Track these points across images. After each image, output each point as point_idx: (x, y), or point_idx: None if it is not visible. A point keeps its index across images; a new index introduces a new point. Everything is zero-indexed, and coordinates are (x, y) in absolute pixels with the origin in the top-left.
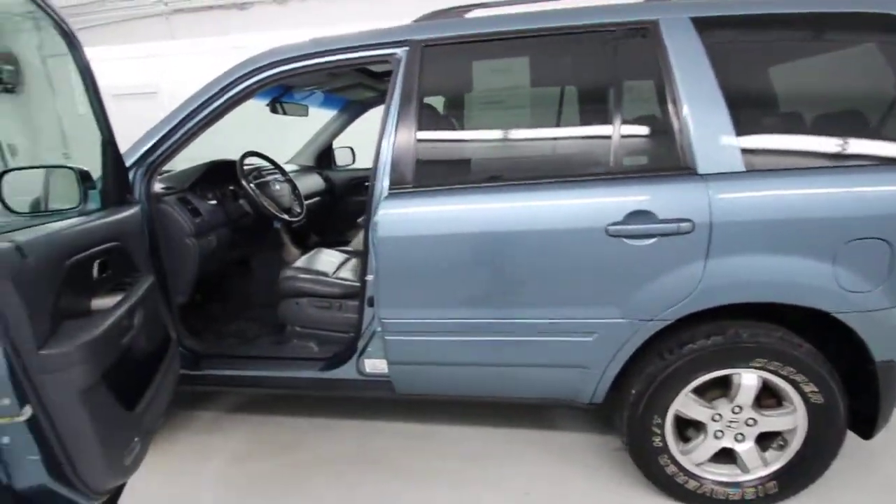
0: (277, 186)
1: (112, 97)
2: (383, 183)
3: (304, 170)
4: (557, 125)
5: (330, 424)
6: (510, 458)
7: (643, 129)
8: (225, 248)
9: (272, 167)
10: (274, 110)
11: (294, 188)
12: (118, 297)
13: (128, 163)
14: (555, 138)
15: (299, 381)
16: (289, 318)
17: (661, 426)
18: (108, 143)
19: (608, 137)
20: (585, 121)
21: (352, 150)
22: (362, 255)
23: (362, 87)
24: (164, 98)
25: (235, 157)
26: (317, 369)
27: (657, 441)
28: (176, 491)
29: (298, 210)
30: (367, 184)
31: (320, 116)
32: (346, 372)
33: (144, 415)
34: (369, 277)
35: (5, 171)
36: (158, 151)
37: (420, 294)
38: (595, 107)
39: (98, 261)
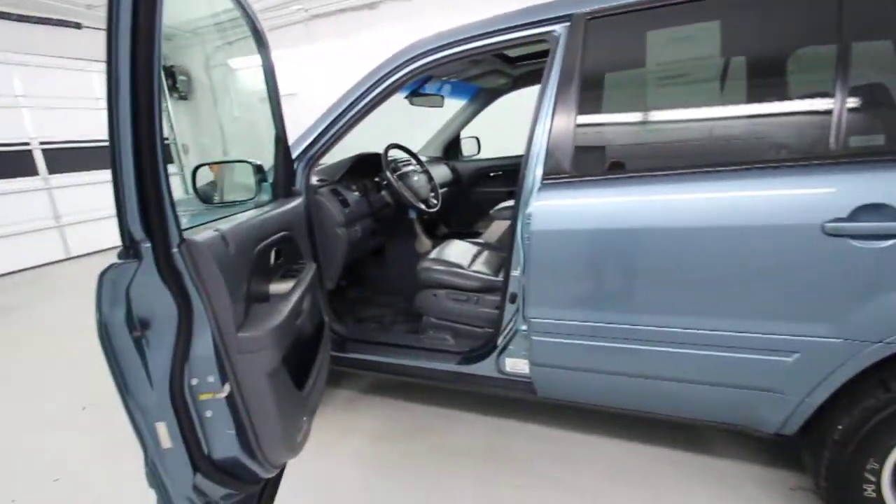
0: (416, 177)
1: (259, 100)
2: (536, 172)
3: (433, 160)
4: (756, 100)
5: (460, 417)
6: (650, 477)
7: (879, 101)
8: (367, 237)
9: (408, 159)
10: (412, 103)
11: (430, 178)
12: (291, 283)
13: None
14: (752, 116)
15: (437, 373)
16: (426, 309)
17: (877, 473)
18: (281, 139)
19: (827, 112)
20: (795, 93)
21: (477, 140)
22: (506, 248)
23: (496, 74)
24: (304, 98)
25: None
26: (454, 362)
27: (869, 490)
28: (320, 466)
29: (435, 201)
30: (492, 174)
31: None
32: (484, 368)
33: (310, 395)
34: (514, 273)
35: (199, 166)
36: (318, 145)
37: (575, 294)
38: (809, 76)
39: (274, 248)
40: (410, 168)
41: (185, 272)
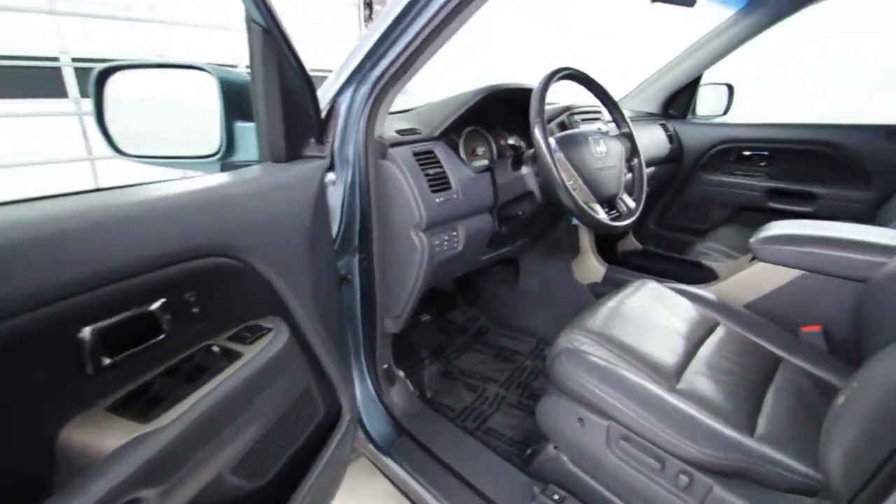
0: (601, 149)
1: None
2: None
3: (641, 118)
4: None
5: None
6: None
7: None
8: (477, 248)
9: (592, 108)
10: None
11: (632, 153)
12: (179, 409)
13: (338, 81)
14: None
15: None
16: (556, 438)
17: None
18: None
19: None
20: None
21: (729, 88)
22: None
23: None
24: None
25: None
26: None
27: None
28: None
29: (632, 202)
30: (749, 153)
31: None
32: None
33: None
34: None
35: (106, 70)
36: (392, 56)
37: None
38: None
39: (150, 310)
40: (592, 128)
41: None
